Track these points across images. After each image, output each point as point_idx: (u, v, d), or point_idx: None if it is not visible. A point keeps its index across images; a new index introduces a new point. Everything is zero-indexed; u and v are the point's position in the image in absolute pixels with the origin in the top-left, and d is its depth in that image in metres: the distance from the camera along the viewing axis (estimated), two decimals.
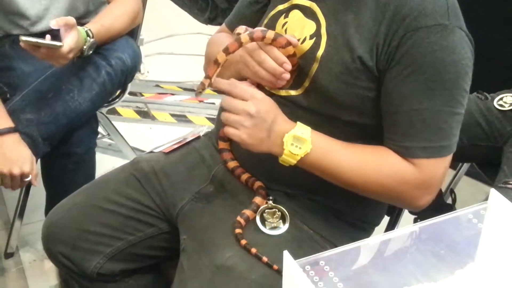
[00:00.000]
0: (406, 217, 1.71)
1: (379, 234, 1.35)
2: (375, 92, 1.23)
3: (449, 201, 2.14)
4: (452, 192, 2.13)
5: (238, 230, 1.29)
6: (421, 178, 1.21)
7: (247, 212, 1.32)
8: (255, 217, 1.32)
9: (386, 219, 1.55)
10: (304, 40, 1.28)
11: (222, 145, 1.42)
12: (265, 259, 1.26)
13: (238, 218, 1.31)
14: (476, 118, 1.78)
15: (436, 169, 1.21)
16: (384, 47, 1.19)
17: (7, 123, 1.70)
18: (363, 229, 1.42)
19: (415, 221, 2.06)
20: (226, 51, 1.28)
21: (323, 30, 1.27)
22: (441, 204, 2.11)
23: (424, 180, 1.22)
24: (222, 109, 1.27)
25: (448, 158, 1.22)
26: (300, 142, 1.22)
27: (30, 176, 1.71)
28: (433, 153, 1.20)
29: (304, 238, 1.34)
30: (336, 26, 1.25)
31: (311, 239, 1.34)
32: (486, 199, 1.01)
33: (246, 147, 1.24)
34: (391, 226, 1.59)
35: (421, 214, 2.04)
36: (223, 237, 1.31)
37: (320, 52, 1.26)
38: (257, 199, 1.33)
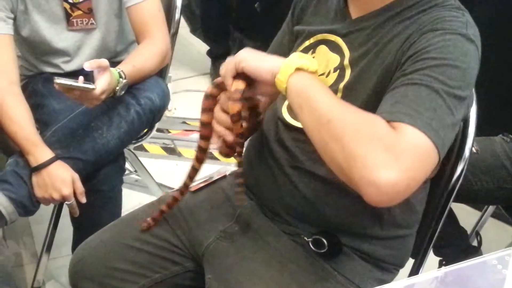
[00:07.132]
0: (431, 259, 1.69)
1: (403, 277, 1.34)
2: None
3: (475, 243, 2.12)
4: (477, 234, 2.12)
5: None
6: (394, 140, 1.03)
7: None
8: None
9: (411, 261, 1.54)
10: (329, 73, 1.31)
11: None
12: None
13: None
14: (502, 161, 1.77)
15: (415, 141, 1.04)
16: (402, 55, 1.17)
17: (48, 155, 1.75)
18: (387, 270, 1.41)
19: (440, 263, 2.04)
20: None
21: (346, 62, 1.29)
22: (467, 246, 2.10)
23: (398, 144, 1.03)
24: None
25: (433, 154, 1.06)
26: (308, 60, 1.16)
27: (72, 200, 1.77)
28: (417, 122, 1.05)
29: (328, 278, 1.33)
30: (359, 56, 1.27)
31: (335, 280, 1.34)
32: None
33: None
34: (415, 269, 1.58)
35: (446, 256, 2.03)
36: (248, 277, 1.31)
37: (343, 83, 1.27)
38: None
